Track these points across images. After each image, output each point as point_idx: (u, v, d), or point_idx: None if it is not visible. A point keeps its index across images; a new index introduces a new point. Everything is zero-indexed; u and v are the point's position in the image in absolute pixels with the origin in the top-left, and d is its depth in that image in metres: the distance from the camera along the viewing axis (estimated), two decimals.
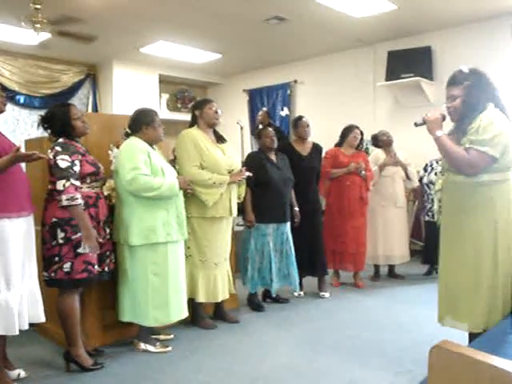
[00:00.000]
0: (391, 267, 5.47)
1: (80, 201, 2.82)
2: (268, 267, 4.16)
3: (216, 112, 3.73)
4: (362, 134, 5.04)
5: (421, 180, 5.49)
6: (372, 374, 2.92)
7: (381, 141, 5.35)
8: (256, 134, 4.51)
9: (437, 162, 5.39)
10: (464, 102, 2.52)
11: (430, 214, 5.36)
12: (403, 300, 4.55)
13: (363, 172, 4.81)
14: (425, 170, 5.47)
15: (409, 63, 6.51)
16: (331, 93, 7.68)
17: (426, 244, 5.56)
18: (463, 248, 2.53)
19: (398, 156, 5.23)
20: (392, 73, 6.67)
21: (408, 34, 6.63)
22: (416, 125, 2.71)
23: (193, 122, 3.78)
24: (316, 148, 4.75)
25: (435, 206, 2.80)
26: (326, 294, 4.67)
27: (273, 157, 4.29)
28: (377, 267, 5.39)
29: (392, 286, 5.07)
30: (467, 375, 1.13)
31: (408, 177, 5.33)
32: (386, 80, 6.74)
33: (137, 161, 3.08)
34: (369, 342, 3.43)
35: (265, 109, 7.82)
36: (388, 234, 5.21)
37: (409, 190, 5.77)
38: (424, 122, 2.61)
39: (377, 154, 5.34)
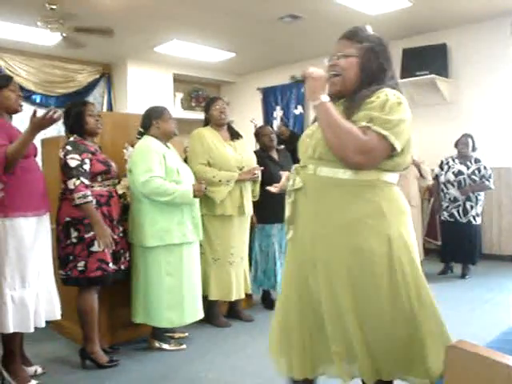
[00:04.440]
0: None
1: (91, 198, 2.85)
2: (273, 268, 4.10)
3: (221, 111, 3.73)
4: None
5: (436, 178, 5.45)
6: None
7: None
8: (254, 133, 4.48)
9: (453, 160, 5.34)
10: (361, 65, 1.82)
11: (445, 212, 5.32)
12: None
13: None
14: (441, 167, 5.42)
15: (424, 61, 6.46)
16: None
17: (443, 243, 5.52)
18: (349, 276, 1.74)
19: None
20: (407, 70, 6.61)
21: (423, 31, 6.58)
22: (293, 79, 1.97)
23: (206, 122, 3.83)
24: None
25: (286, 213, 1.91)
26: None
27: (275, 155, 4.26)
28: None
29: None
30: (484, 375, 1.13)
31: (422, 175, 5.29)
32: (401, 78, 6.67)
33: (151, 162, 3.06)
34: None
35: (280, 116, 7.88)
36: None
37: (423, 189, 5.73)
38: (303, 79, 1.86)
39: None
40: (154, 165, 3.06)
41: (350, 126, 1.70)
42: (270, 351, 1.99)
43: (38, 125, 2.52)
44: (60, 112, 2.59)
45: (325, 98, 1.76)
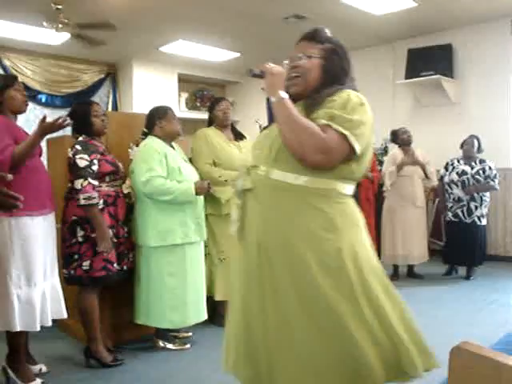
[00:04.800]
0: (410, 267, 5.43)
1: (97, 200, 2.85)
2: None
3: (225, 112, 3.73)
4: None
5: (441, 179, 5.44)
6: None
7: (400, 139, 5.30)
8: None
9: (458, 161, 5.33)
10: (325, 67, 1.77)
11: (449, 213, 5.31)
12: (422, 300, 4.51)
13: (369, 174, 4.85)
14: (446, 168, 5.41)
15: (429, 61, 6.44)
16: None
17: (447, 244, 5.51)
18: (297, 289, 1.63)
19: (416, 155, 5.19)
20: (412, 71, 6.61)
21: (428, 31, 6.57)
22: (252, 74, 1.86)
23: (210, 123, 3.83)
24: None
25: (233, 216, 1.86)
26: None
27: None
28: (396, 267, 5.36)
29: (411, 286, 5.03)
30: (488, 377, 1.12)
31: (427, 176, 5.28)
32: (406, 78, 6.68)
33: (152, 162, 3.06)
34: None
35: None
36: (407, 234, 5.17)
37: (428, 189, 5.72)
38: (262, 74, 1.78)
39: (394, 154, 5.30)
40: (154, 164, 3.05)
41: (310, 123, 1.62)
42: (223, 363, 1.87)
43: (46, 129, 2.56)
44: (69, 121, 2.64)
45: (284, 94, 1.69)
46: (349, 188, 1.73)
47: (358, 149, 1.62)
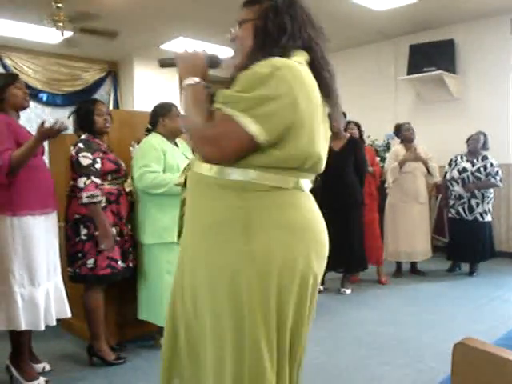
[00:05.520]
0: (413, 263, 5.42)
1: (100, 198, 2.85)
2: None
3: None
4: (358, 126, 5.03)
5: (445, 175, 5.42)
6: (393, 370, 2.90)
7: (403, 135, 5.29)
8: None
9: (461, 158, 5.31)
10: (256, 28, 1.47)
11: (452, 210, 5.30)
12: (425, 296, 4.51)
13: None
14: (449, 165, 5.40)
15: (431, 57, 6.42)
16: (352, 87, 7.59)
17: (450, 240, 5.50)
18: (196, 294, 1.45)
19: (419, 151, 5.17)
20: (414, 67, 6.59)
21: (430, 26, 6.54)
22: (161, 63, 1.67)
23: None
24: (351, 143, 4.56)
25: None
26: (348, 291, 4.64)
27: None
28: (399, 264, 5.35)
29: (414, 283, 5.03)
30: (491, 372, 1.12)
31: (429, 172, 5.27)
32: (408, 74, 6.66)
33: (148, 158, 3.05)
34: (390, 339, 3.41)
35: None
36: (410, 231, 5.15)
37: (431, 186, 5.71)
38: (173, 62, 1.57)
39: (397, 150, 5.29)
40: (150, 161, 3.04)
41: (198, 111, 1.38)
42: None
43: (44, 134, 2.56)
44: (66, 124, 2.63)
45: (190, 80, 1.45)
46: (284, 180, 1.39)
47: (259, 133, 1.29)
